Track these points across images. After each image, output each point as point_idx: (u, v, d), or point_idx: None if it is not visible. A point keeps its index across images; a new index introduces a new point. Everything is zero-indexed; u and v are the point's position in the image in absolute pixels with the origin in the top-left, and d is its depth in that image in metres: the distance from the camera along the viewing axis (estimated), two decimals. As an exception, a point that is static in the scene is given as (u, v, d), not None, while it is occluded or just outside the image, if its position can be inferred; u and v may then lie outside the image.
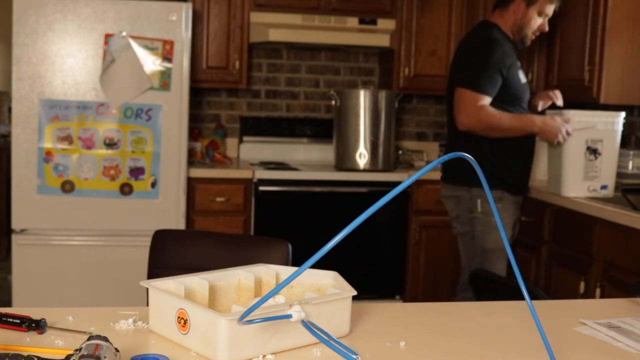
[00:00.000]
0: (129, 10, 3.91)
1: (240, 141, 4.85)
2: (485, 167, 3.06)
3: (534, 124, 3.35)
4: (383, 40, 4.53)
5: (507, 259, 3.42)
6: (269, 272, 1.38)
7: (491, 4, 4.44)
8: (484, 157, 3.33)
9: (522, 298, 1.17)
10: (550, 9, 3.43)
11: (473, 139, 3.35)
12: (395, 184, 4.29)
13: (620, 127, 3.52)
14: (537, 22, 3.43)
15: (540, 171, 3.96)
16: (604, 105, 3.73)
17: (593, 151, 3.44)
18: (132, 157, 3.99)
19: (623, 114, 3.53)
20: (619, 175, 3.77)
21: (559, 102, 3.59)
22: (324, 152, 4.84)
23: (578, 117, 3.43)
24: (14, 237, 3.98)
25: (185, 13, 3.94)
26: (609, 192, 3.50)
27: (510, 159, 3.41)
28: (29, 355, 1.02)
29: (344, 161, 4.40)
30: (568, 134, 3.40)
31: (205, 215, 4.23)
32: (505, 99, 3.34)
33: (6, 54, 5.63)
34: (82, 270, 4.01)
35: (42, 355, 1.04)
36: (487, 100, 3.28)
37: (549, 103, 3.66)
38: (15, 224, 3.98)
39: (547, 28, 3.49)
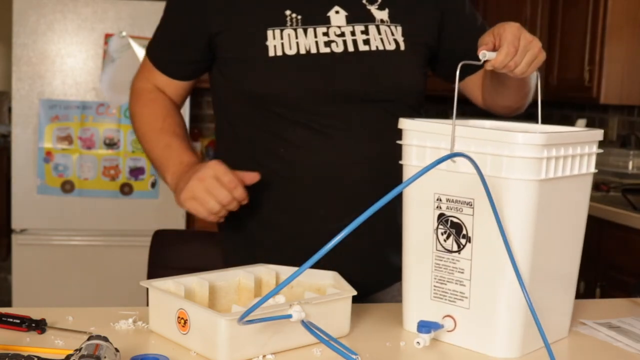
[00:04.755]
0: (129, 10, 3.91)
1: (240, 141, 4.85)
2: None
3: (176, 165, 1.48)
4: (383, 40, 4.51)
5: None
6: (269, 272, 1.38)
7: (491, 2, 4.44)
8: None
9: (522, 298, 1.16)
10: None
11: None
12: (395, 184, 4.28)
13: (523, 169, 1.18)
14: None
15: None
16: (604, 105, 3.73)
17: (444, 223, 1.21)
18: (132, 157, 3.98)
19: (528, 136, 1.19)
20: (619, 175, 3.77)
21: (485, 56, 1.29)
22: (324, 152, 4.83)
23: None
24: (14, 237, 3.98)
25: (185, 13, 3.93)
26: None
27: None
28: (29, 355, 1.01)
29: (344, 161, 4.38)
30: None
31: (205, 215, 4.23)
32: (233, 89, 1.55)
33: (6, 54, 5.63)
34: (82, 270, 4.00)
35: (42, 355, 1.04)
36: (154, 72, 1.64)
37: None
38: (15, 224, 3.98)
39: None
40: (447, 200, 1.20)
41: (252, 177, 1.40)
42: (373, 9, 1.50)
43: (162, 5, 1.67)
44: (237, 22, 1.47)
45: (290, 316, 1.11)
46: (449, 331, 1.22)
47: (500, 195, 1.13)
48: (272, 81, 1.46)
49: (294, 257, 1.32)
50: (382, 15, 1.50)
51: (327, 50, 1.45)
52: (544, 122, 1.37)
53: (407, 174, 1.24)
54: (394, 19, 1.51)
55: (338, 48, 1.45)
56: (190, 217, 4.17)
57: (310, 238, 1.37)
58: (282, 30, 1.44)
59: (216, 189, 1.34)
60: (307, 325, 1.13)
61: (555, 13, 4.06)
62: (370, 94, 1.48)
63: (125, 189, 3.99)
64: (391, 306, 1.42)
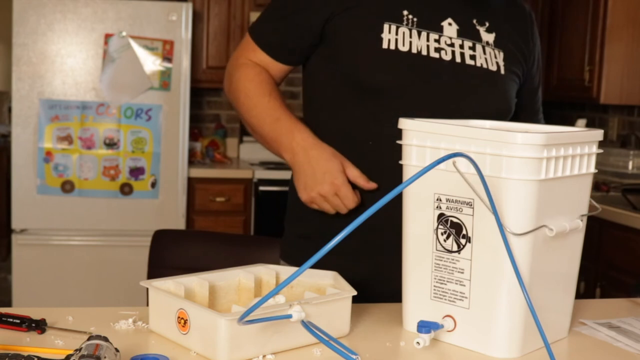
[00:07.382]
0: (129, 10, 3.91)
1: (240, 141, 4.85)
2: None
3: (291, 142, 1.50)
4: (383, 40, 4.51)
5: None
6: (269, 272, 1.38)
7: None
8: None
9: (522, 298, 1.16)
10: None
11: None
12: (395, 184, 4.27)
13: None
14: None
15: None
16: (604, 105, 3.73)
17: (444, 223, 1.21)
18: (132, 157, 3.98)
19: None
20: (619, 175, 3.77)
21: None
22: (324, 152, 4.83)
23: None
24: (14, 237, 3.98)
25: (185, 13, 3.94)
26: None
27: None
28: (29, 355, 1.01)
29: (344, 161, 4.38)
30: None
31: (205, 215, 4.23)
32: (338, 73, 1.53)
33: (6, 54, 5.63)
34: (82, 270, 4.00)
35: (42, 355, 1.04)
36: (258, 53, 1.57)
37: None
38: (15, 224, 3.98)
39: None
40: (447, 200, 1.19)
41: (370, 186, 1.49)
42: (482, 30, 1.57)
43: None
44: (356, 10, 1.50)
45: (290, 316, 1.11)
46: (448, 331, 1.22)
47: (500, 196, 1.13)
48: (381, 72, 1.48)
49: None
50: (488, 37, 1.58)
51: (436, 55, 1.50)
52: (544, 121, 1.37)
53: (407, 174, 1.24)
54: (498, 43, 1.58)
55: (447, 56, 1.51)
56: (190, 217, 4.17)
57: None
58: (397, 27, 1.49)
59: (335, 201, 1.50)
60: (307, 325, 1.13)
61: (555, 13, 4.06)
62: (472, 108, 1.51)
63: (125, 189, 3.99)
64: (391, 306, 1.42)
